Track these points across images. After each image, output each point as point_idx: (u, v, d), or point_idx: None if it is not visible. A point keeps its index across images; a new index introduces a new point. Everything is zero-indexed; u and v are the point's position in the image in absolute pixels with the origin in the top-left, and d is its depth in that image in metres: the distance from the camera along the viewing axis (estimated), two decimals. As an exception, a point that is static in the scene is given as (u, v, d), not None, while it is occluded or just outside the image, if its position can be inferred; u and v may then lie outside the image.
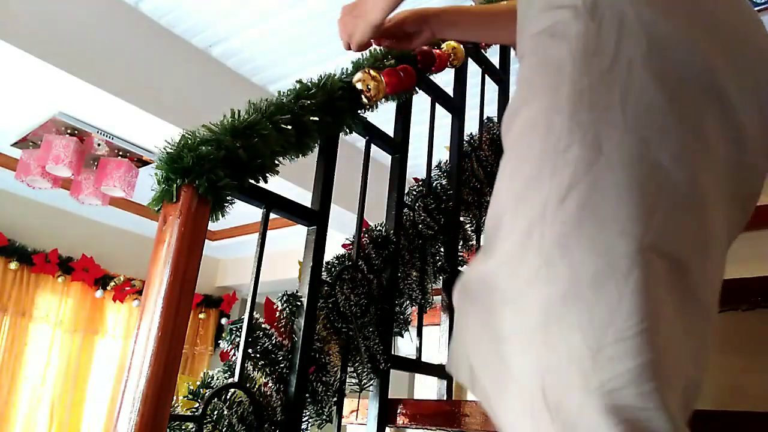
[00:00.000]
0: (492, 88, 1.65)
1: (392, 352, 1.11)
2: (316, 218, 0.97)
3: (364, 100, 1.05)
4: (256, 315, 0.88)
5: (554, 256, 0.54)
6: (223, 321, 4.91)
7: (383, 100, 1.10)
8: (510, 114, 0.65)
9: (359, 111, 1.08)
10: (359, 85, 1.04)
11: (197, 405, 0.79)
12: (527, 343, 0.55)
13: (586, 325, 0.51)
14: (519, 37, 0.73)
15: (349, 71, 1.08)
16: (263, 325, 0.90)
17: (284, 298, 0.92)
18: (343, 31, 1.00)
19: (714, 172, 0.57)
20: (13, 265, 3.75)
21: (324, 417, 0.94)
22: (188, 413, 0.78)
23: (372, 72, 1.05)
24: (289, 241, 3.71)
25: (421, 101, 1.34)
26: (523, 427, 0.54)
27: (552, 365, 0.52)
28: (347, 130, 1.06)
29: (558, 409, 0.50)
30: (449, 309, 1.33)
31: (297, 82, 0.97)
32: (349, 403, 1.16)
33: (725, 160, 0.59)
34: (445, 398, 1.29)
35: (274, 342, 0.89)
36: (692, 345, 0.55)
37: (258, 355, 0.87)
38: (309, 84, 0.97)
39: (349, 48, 1.03)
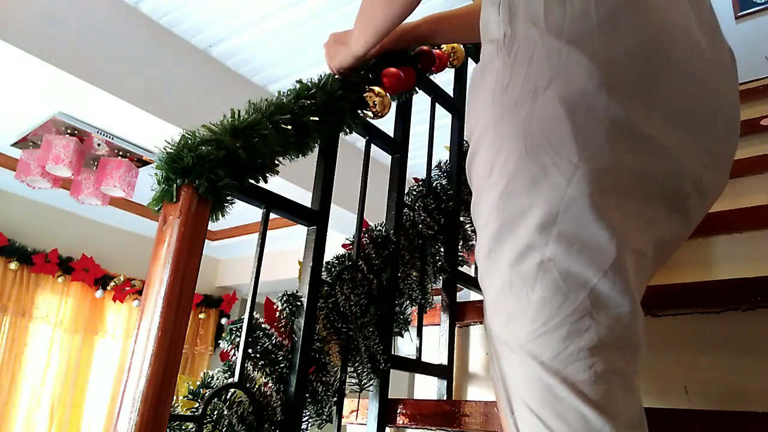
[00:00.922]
0: (492, 88, 1.65)
1: (392, 352, 1.11)
2: (316, 218, 0.97)
3: (370, 114, 1.07)
4: (256, 315, 0.88)
5: (487, 266, 0.66)
6: (223, 321, 4.91)
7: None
8: (467, 136, 0.76)
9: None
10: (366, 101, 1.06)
11: (197, 405, 0.79)
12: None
13: (509, 325, 0.62)
14: None
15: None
16: (263, 325, 0.90)
17: (284, 298, 0.92)
18: (327, 55, 1.09)
19: (617, 180, 0.62)
20: (13, 265, 3.75)
21: (324, 417, 0.94)
22: (188, 413, 0.78)
23: (377, 89, 1.07)
24: (289, 241, 3.71)
25: (421, 101, 1.34)
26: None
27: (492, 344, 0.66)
28: (347, 130, 1.06)
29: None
30: (449, 309, 1.33)
31: (297, 82, 0.97)
32: (349, 403, 1.16)
33: (637, 170, 0.63)
34: (445, 398, 1.29)
35: (274, 342, 0.89)
36: (616, 340, 0.59)
37: (258, 355, 0.87)
38: (309, 84, 0.97)
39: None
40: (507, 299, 0.62)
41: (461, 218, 1.40)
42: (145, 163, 3.23)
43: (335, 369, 0.98)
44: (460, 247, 1.36)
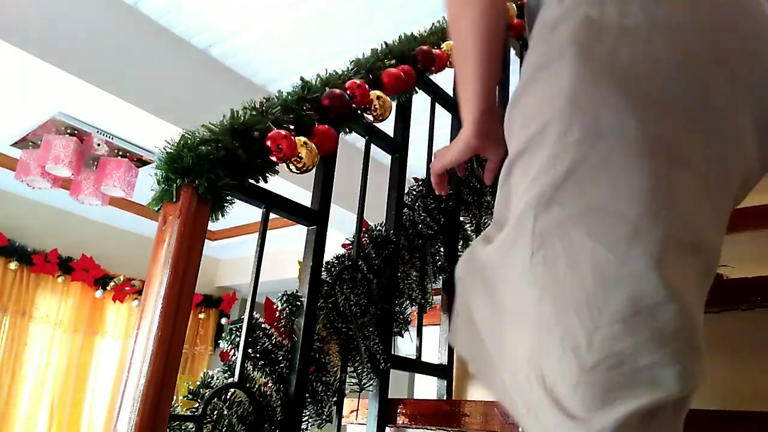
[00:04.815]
0: (492, 88, 1.65)
1: (392, 352, 1.11)
2: (316, 218, 0.97)
3: (371, 117, 1.06)
4: (256, 315, 0.88)
5: (552, 239, 0.54)
6: (223, 321, 4.91)
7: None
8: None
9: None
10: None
11: (197, 405, 0.79)
12: (521, 323, 0.56)
13: (583, 307, 0.51)
14: None
15: (349, 71, 1.08)
16: (263, 325, 0.90)
17: (284, 298, 0.92)
18: (435, 162, 0.99)
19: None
20: (13, 265, 3.75)
21: (324, 417, 0.94)
22: (188, 413, 0.78)
23: (378, 92, 1.06)
24: (289, 241, 3.71)
25: (421, 101, 1.34)
26: (516, 401, 0.56)
27: (544, 345, 0.52)
28: (347, 129, 1.06)
29: (552, 389, 0.51)
30: (449, 309, 1.32)
31: (300, 79, 0.97)
32: (349, 403, 1.16)
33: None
34: (445, 398, 1.29)
35: (274, 342, 0.89)
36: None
37: (258, 355, 0.87)
38: (309, 84, 0.97)
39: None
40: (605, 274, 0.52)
41: (461, 218, 1.40)
42: (145, 163, 3.23)
43: (335, 369, 0.98)
44: (460, 246, 1.36)
